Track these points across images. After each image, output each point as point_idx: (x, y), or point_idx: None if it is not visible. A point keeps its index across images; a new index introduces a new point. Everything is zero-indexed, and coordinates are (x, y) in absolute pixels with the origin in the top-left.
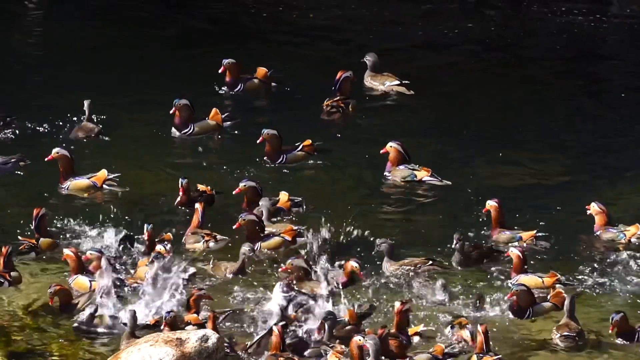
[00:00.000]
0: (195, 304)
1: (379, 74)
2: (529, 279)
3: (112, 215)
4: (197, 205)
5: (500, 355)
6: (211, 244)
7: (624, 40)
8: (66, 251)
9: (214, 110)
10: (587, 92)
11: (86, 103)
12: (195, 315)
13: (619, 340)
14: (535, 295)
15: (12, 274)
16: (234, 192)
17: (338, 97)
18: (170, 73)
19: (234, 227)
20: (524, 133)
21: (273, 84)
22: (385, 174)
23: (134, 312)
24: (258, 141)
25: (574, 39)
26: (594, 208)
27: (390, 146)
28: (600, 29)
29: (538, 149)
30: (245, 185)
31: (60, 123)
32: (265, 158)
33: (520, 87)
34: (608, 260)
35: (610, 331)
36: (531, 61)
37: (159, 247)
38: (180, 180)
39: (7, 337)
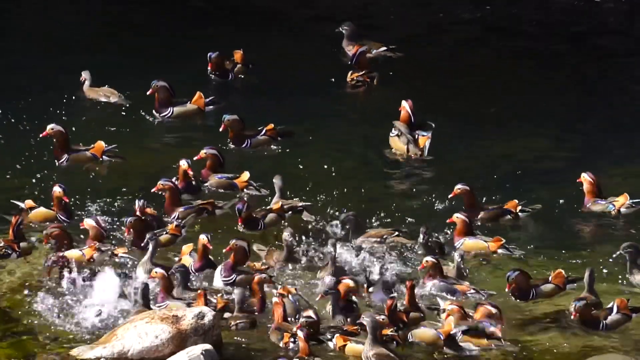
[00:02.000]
0: (259, 288)
1: (358, 43)
2: (474, 243)
3: (111, 187)
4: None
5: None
6: (217, 211)
7: (625, 19)
8: (48, 231)
9: (197, 94)
10: (584, 73)
11: (85, 73)
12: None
13: (583, 328)
14: (540, 278)
15: (22, 244)
16: (195, 158)
17: (363, 72)
18: (170, 58)
19: (239, 225)
20: (519, 112)
21: (250, 65)
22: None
23: (147, 284)
24: (221, 129)
25: (574, 17)
26: (584, 178)
27: (403, 105)
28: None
29: (532, 127)
30: (206, 153)
31: (56, 103)
32: (229, 144)
33: (518, 66)
34: (597, 231)
35: (572, 317)
36: (529, 41)
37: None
38: (182, 162)
39: (2, 316)
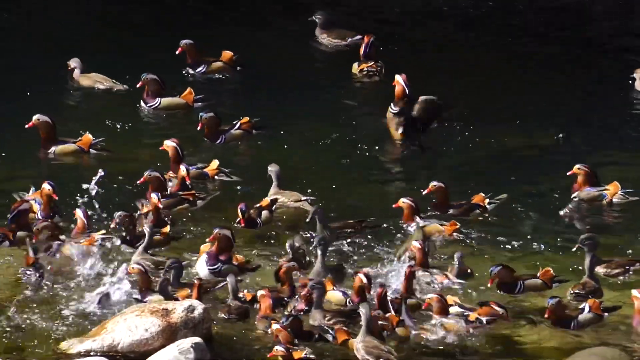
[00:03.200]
0: (286, 277)
1: (332, 31)
2: (431, 226)
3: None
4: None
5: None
6: (199, 202)
7: (609, 12)
8: (39, 226)
9: (188, 89)
10: (571, 65)
11: (74, 61)
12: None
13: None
14: (527, 274)
15: (19, 233)
16: (160, 148)
17: (373, 62)
18: (161, 53)
19: (240, 225)
20: (518, 110)
21: (238, 67)
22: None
23: (167, 278)
24: (198, 127)
25: (558, 10)
26: (579, 170)
27: (397, 79)
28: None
29: (529, 125)
30: (167, 145)
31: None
32: (205, 139)
33: (504, 58)
34: (591, 223)
35: (545, 316)
36: (516, 33)
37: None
38: (182, 167)
39: None
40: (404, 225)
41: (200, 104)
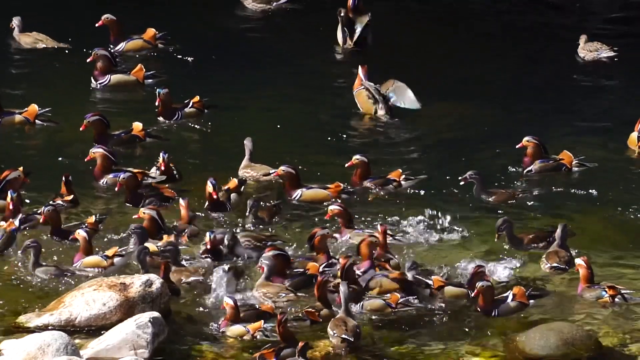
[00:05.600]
0: (321, 245)
1: None
2: (313, 193)
3: (43, 153)
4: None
5: None
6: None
7: None
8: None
9: (138, 65)
10: (531, 42)
11: (16, 19)
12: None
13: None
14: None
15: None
16: (81, 129)
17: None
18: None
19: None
20: (461, 79)
21: (160, 45)
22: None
23: (144, 247)
24: (157, 103)
25: None
26: (528, 142)
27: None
28: None
29: (478, 99)
30: (89, 121)
31: None
32: (159, 118)
33: (463, 33)
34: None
35: (472, 294)
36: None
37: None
38: (161, 154)
39: None
40: (289, 197)
41: (151, 80)
